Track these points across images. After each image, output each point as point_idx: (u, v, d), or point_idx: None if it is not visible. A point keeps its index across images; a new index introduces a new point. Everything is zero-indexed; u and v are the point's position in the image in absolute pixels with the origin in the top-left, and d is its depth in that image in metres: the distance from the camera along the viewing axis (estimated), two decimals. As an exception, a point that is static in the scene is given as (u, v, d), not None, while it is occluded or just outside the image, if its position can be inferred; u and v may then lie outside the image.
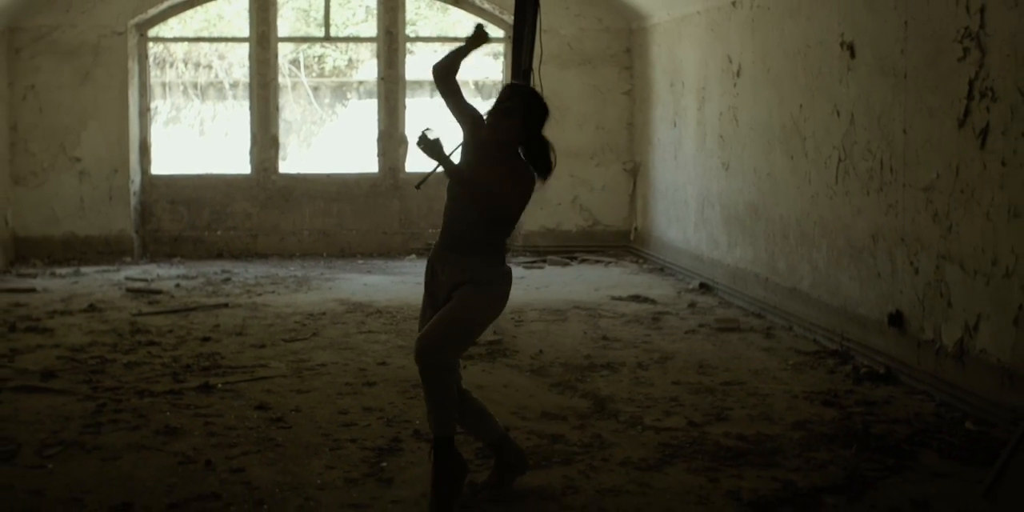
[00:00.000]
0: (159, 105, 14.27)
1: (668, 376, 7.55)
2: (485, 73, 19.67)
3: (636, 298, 10.53)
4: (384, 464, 5.69)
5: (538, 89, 7.89)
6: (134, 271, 12.22)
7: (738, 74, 10.30)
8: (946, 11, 6.84)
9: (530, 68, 8.47)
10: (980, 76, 6.53)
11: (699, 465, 5.69)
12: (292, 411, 6.67)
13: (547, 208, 13.61)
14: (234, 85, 21.02)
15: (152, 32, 14.08)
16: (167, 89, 21.24)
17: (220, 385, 7.26)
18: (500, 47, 14.67)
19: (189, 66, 21.36)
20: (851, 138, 8.11)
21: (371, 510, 5.08)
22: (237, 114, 20.16)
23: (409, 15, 15.55)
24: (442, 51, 19.81)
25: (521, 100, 5.40)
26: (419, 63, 18.00)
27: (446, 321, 5.10)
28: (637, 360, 7.99)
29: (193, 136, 21.21)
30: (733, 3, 10.37)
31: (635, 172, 13.63)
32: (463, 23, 15.60)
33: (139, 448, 5.97)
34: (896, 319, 7.46)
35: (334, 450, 5.93)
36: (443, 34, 19.04)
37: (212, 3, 14.37)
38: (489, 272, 5.27)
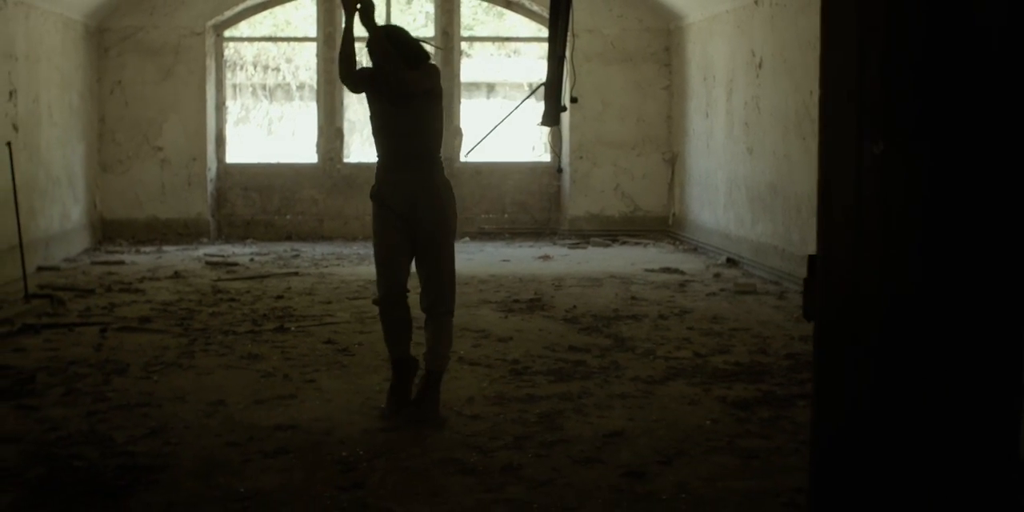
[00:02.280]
0: (230, 105, 15.44)
1: (684, 324, 8.59)
2: (540, 74, 20.71)
3: (667, 270, 11.58)
4: (432, 378, 6.79)
5: (572, 80, 8.95)
6: (211, 249, 13.43)
7: (760, 66, 11.34)
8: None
9: (564, 55, 9.42)
10: None
11: (697, 381, 6.73)
12: (356, 344, 7.78)
13: (591, 195, 14.69)
14: (300, 87, 22.14)
15: (227, 33, 15.32)
16: (237, 90, 22.39)
17: (293, 327, 8.40)
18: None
19: (258, 68, 22.53)
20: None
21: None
22: (303, 114, 21.33)
23: (466, 20, 16.67)
24: (497, 54, 20.97)
25: (387, 45, 5.80)
26: (475, 65, 19.09)
27: (446, 280, 6.09)
28: (659, 312, 9.04)
29: (261, 135, 22.40)
30: (756, 1, 11.41)
31: (673, 161, 14.67)
32: (518, 27, 16.71)
33: (227, 367, 7.10)
34: None
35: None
36: (497, 36, 20.09)
37: (281, 8, 15.60)
38: (448, 190, 6.04)
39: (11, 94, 11.05)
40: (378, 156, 6.10)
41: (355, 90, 6.12)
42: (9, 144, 10.05)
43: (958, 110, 1.57)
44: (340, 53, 5.98)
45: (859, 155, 1.54)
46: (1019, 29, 1.59)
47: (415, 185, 5.94)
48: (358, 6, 5.85)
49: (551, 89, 9.60)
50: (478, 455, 5.26)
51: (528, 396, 6.35)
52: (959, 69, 1.62)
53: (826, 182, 1.67)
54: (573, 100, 10.82)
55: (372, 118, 6.07)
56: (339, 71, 6.05)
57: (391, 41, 5.81)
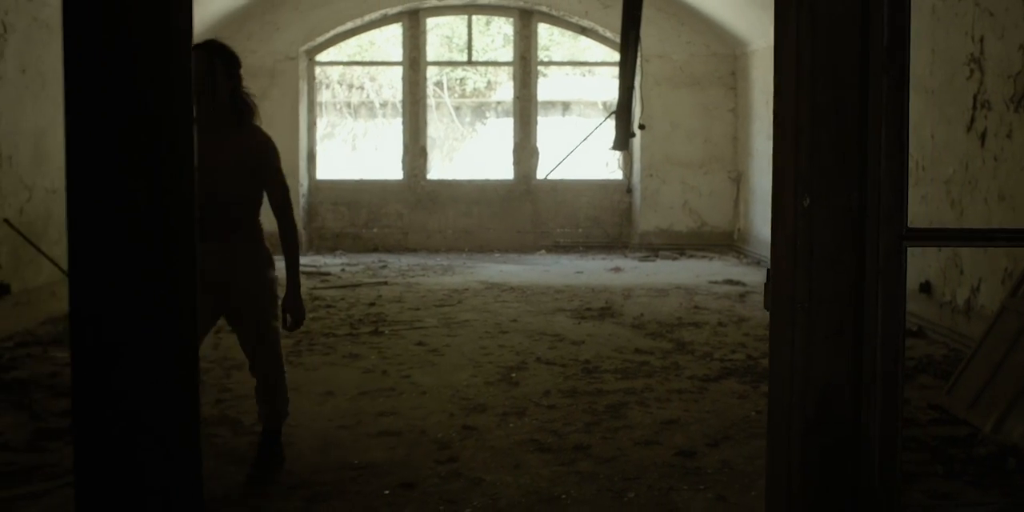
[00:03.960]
0: (317, 123, 16.53)
1: (740, 331, 9.46)
2: (613, 93, 21.66)
3: (729, 282, 12.44)
4: (513, 375, 7.72)
5: (641, 107, 9.38)
6: (304, 260, 14.45)
7: (817, 92, 12.17)
8: (959, 41, 8.68)
9: (632, 85, 10.31)
10: (980, 91, 8.37)
11: (747, 380, 7.60)
12: (444, 346, 8.74)
13: (660, 211, 15.58)
14: (383, 105, 23.32)
15: (319, 57, 16.39)
16: (323, 108, 23.61)
17: (387, 331, 9.37)
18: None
19: (343, 87, 23.74)
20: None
21: (501, 398, 7.09)
22: (386, 131, 22.47)
23: (543, 41, 17.64)
24: (572, 73, 21.92)
25: (205, 52, 5.28)
26: (550, 84, 20.07)
27: (267, 340, 5.75)
28: (718, 320, 9.91)
29: (346, 151, 23.56)
30: (813, 32, 12.25)
31: (738, 180, 15.52)
32: (592, 48, 17.61)
33: (332, 365, 8.09)
34: (925, 287, 9.27)
35: (476, 367, 7.98)
36: (573, 59, 21.06)
37: (366, 31, 16.63)
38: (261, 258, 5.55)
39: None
40: None
41: None
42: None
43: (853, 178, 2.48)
44: None
45: (796, 206, 2.43)
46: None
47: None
48: None
49: (621, 117, 10.53)
50: (553, 437, 6.18)
51: (597, 390, 7.27)
52: (846, 150, 2.52)
53: (775, 222, 2.57)
54: (641, 127, 11.75)
55: None
56: None
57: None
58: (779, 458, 2.62)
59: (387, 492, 5.24)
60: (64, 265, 9.36)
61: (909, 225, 2.49)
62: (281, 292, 5.66)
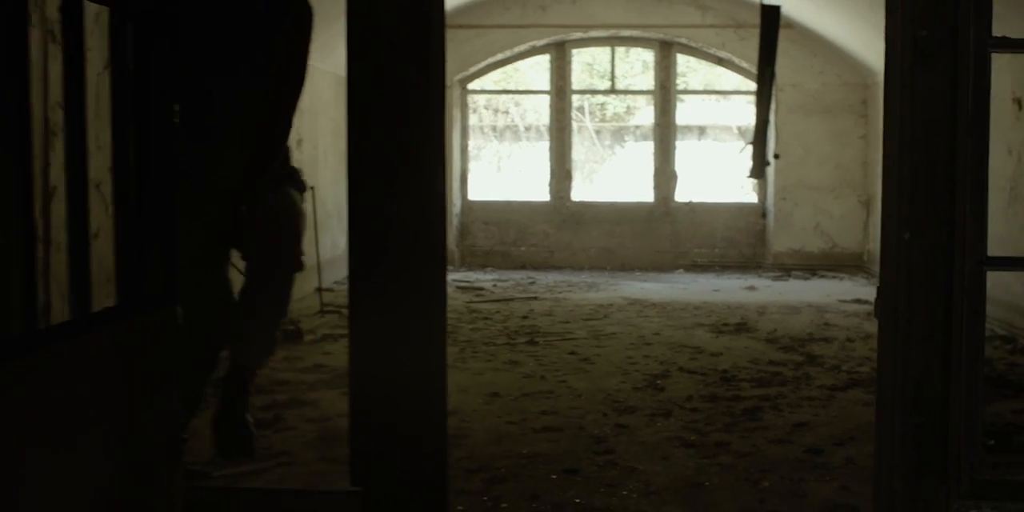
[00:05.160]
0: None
1: (868, 346, 10.14)
2: (747, 118, 22.36)
3: (858, 301, 13.09)
4: (658, 381, 8.52)
5: (775, 137, 10.12)
6: (457, 276, 15.43)
7: (946, 121, 12.79)
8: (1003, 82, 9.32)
9: (767, 120, 11.05)
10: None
11: (872, 389, 8.20)
12: (594, 355, 9.58)
13: (793, 233, 16.25)
14: (527, 128, 24.30)
15: (470, 86, 17.40)
16: (470, 131, 24.74)
17: (541, 341, 10.25)
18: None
19: (489, 111, 24.80)
20: (1019, 171, 10.57)
21: (649, 401, 7.90)
22: (530, 153, 23.45)
23: (680, 68, 18.42)
24: (707, 98, 22.64)
25: None
26: (687, 109, 20.81)
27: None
28: (847, 336, 10.60)
29: (491, 172, 24.59)
30: (944, 64, 12.87)
31: (868, 203, 16.12)
32: (727, 75, 18.35)
33: (495, 370, 8.98)
34: (1046, 307, 9.87)
35: (624, 374, 8.80)
36: (709, 86, 21.76)
37: (514, 61, 17.60)
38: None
39: (299, 142, 13.23)
40: None
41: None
42: (312, 188, 12.21)
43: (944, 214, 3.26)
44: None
45: (898, 239, 3.21)
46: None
47: None
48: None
49: (757, 147, 11.29)
50: (696, 435, 6.97)
51: (735, 396, 8.04)
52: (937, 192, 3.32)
53: (883, 251, 3.35)
54: (776, 156, 12.47)
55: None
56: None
57: None
58: (885, 434, 3.40)
59: (554, 476, 6.09)
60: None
61: (988, 254, 3.26)
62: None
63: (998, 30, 3.21)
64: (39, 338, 2.63)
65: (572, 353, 9.68)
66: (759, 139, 11.16)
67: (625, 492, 5.84)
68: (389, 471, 3.74)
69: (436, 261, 3.81)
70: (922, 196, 3.21)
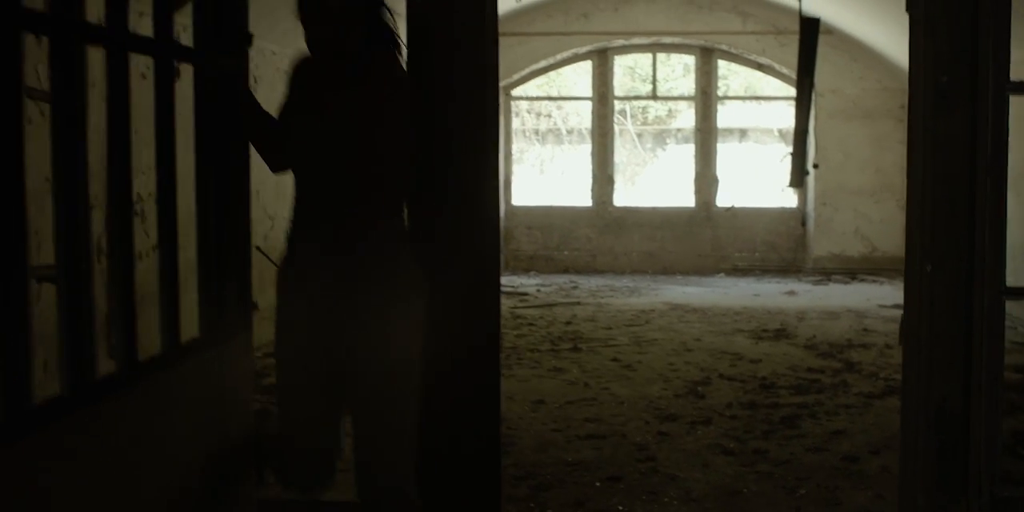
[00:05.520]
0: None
1: (906, 353, 10.33)
2: (786, 121, 22.50)
3: (898, 306, 13.21)
4: (699, 388, 8.75)
5: (815, 146, 10.14)
6: (502, 280, 15.68)
7: (985, 129, 12.95)
8: None
9: (806, 130, 11.26)
10: None
11: (909, 397, 8.51)
12: (636, 362, 9.82)
13: (833, 237, 16.43)
14: (570, 132, 24.53)
15: (514, 92, 17.68)
16: (513, 135, 25.01)
17: (585, 347, 10.50)
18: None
19: (532, 115, 25.05)
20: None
21: (689, 408, 8.14)
22: (572, 156, 23.67)
23: (722, 71, 18.62)
24: (750, 103, 22.80)
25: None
26: (728, 112, 20.97)
27: (392, 433, 3.61)
28: (885, 342, 10.78)
29: (534, 175, 24.83)
30: (982, 72, 13.03)
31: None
32: (767, 78, 18.50)
33: (539, 377, 9.23)
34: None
35: (666, 381, 9.04)
36: (750, 89, 21.91)
37: (557, 68, 17.86)
38: (400, 276, 3.61)
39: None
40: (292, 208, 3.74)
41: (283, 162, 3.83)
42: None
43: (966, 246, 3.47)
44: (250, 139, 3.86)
45: (921, 270, 3.44)
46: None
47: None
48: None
49: (796, 157, 11.50)
50: (735, 443, 7.20)
51: (773, 404, 8.26)
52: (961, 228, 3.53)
53: (907, 281, 3.58)
54: (815, 166, 12.67)
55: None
56: (266, 161, 3.82)
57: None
58: (909, 452, 3.63)
59: (598, 484, 6.34)
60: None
61: (1007, 284, 3.49)
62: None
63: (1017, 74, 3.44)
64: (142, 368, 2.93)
65: (615, 360, 9.92)
66: (798, 149, 11.39)
67: (666, 499, 6.08)
68: (446, 481, 3.99)
69: (491, 271, 4.07)
70: (943, 231, 3.44)
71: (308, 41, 3.52)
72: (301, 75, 3.72)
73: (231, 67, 3.64)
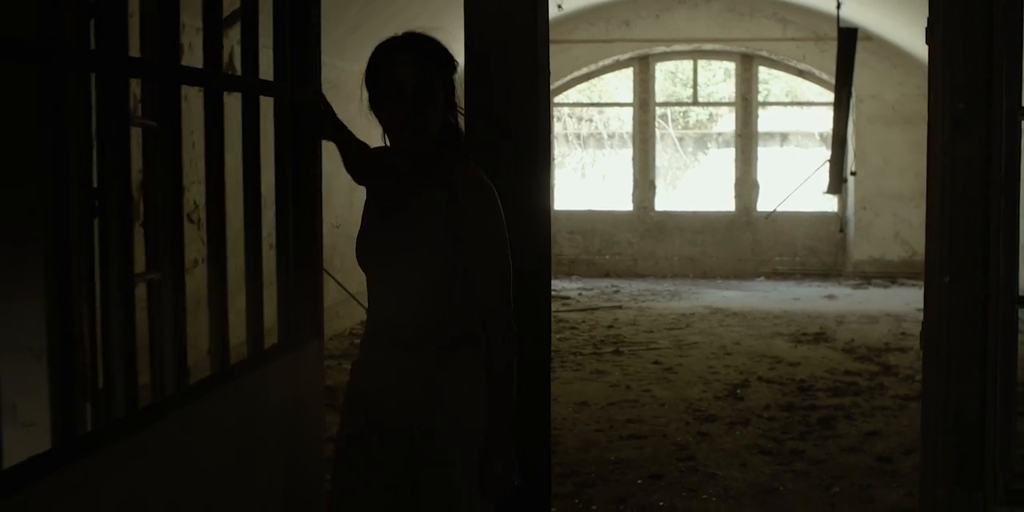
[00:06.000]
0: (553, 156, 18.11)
1: (942, 356, 10.56)
2: (827, 125, 22.70)
3: (936, 310, 13.46)
4: (738, 391, 9.03)
5: (852, 154, 10.37)
6: (544, 284, 15.99)
7: (1021, 135, 13.15)
8: None
9: (844, 137, 11.51)
10: None
11: (943, 399, 8.76)
12: (677, 365, 10.10)
13: (873, 241, 16.64)
14: (611, 136, 24.87)
15: (556, 99, 17.99)
16: (555, 139, 25.34)
17: (626, 351, 10.79)
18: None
19: (573, 119, 25.39)
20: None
21: (729, 410, 8.41)
22: (613, 160, 24.00)
23: (763, 75, 18.87)
24: (792, 107, 23.02)
25: (424, 62, 3.29)
26: (769, 117, 21.24)
27: None
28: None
29: (575, 179, 25.17)
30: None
31: (948, 212, 16.45)
32: (807, 84, 18.73)
33: (582, 380, 9.53)
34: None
35: (706, 383, 9.31)
36: (792, 93, 22.14)
37: (599, 75, 18.16)
38: (476, 399, 3.34)
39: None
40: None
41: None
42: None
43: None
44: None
45: (940, 281, 3.72)
46: None
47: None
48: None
49: (834, 164, 11.76)
50: (773, 443, 7.48)
51: (811, 405, 8.53)
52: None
53: (927, 292, 3.86)
54: (852, 173, 12.92)
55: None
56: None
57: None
58: (929, 449, 3.90)
59: (639, 481, 6.64)
60: (349, 289, 11.05)
61: (1020, 293, 3.76)
62: None
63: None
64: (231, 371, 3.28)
65: (656, 363, 10.21)
66: (836, 156, 11.64)
67: (705, 496, 6.37)
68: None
69: (543, 277, 4.38)
70: (960, 245, 3.71)
71: (385, 122, 3.32)
72: (376, 169, 3.59)
73: (307, 98, 3.86)
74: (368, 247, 3.37)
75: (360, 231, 3.41)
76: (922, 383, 3.88)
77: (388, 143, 3.37)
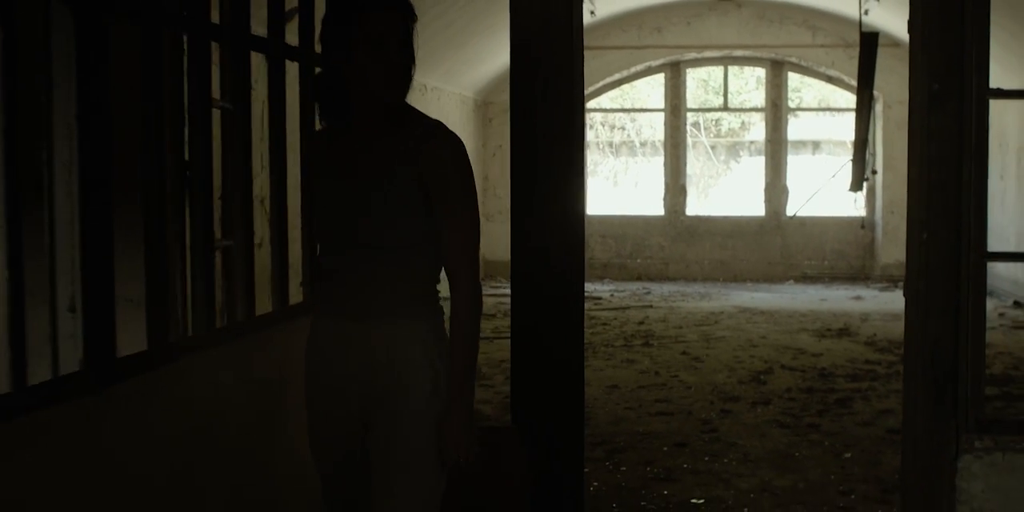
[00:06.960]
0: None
1: (959, 346, 11.01)
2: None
3: (958, 307, 13.89)
4: (761, 376, 9.52)
5: (873, 152, 10.92)
6: (579, 286, 16.51)
7: (1041, 138, 13.60)
8: None
9: (866, 139, 11.97)
10: None
11: (956, 382, 9.23)
12: (704, 355, 10.60)
13: (901, 245, 16.96)
14: (643, 144, 25.31)
15: (588, 105, 18.54)
16: (588, 147, 25.76)
17: (656, 343, 11.30)
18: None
19: (605, 127, 25.86)
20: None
21: (752, 392, 8.91)
22: (645, 168, 24.43)
23: (795, 84, 19.36)
24: (824, 115, 23.43)
25: (400, 13, 3.24)
26: (801, 124, 21.64)
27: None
28: (941, 338, 11.46)
29: (608, 186, 25.64)
30: (1038, 84, 13.69)
31: (973, 215, 16.88)
32: (839, 92, 19.18)
33: (613, 367, 10.04)
34: None
35: (731, 370, 9.81)
36: (824, 101, 22.59)
37: (631, 81, 18.70)
38: (435, 361, 3.32)
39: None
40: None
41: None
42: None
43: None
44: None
45: (919, 238, 4.26)
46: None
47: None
48: None
49: (856, 163, 12.28)
50: (791, 419, 7.97)
51: (829, 388, 9.01)
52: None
53: (909, 248, 4.39)
54: (873, 172, 13.42)
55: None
56: None
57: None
58: (910, 384, 4.40)
59: (665, 448, 7.16)
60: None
61: (988, 249, 4.28)
62: None
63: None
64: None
65: (684, 353, 10.71)
66: (858, 156, 12.19)
67: (726, 460, 6.88)
68: (541, 413, 4.86)
69: (578, 274, 4.91)
70: (936, 206, 4.23)
71: (359, 75, 3.23)
72: (324, 140, 3.47)
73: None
74: (331, 208, 3.34)
75: (316, 199, 3.39)
76: (904, 323, 4.39)
77: (353, 96, 3.27)
